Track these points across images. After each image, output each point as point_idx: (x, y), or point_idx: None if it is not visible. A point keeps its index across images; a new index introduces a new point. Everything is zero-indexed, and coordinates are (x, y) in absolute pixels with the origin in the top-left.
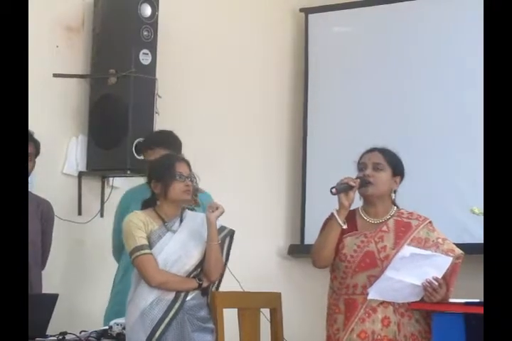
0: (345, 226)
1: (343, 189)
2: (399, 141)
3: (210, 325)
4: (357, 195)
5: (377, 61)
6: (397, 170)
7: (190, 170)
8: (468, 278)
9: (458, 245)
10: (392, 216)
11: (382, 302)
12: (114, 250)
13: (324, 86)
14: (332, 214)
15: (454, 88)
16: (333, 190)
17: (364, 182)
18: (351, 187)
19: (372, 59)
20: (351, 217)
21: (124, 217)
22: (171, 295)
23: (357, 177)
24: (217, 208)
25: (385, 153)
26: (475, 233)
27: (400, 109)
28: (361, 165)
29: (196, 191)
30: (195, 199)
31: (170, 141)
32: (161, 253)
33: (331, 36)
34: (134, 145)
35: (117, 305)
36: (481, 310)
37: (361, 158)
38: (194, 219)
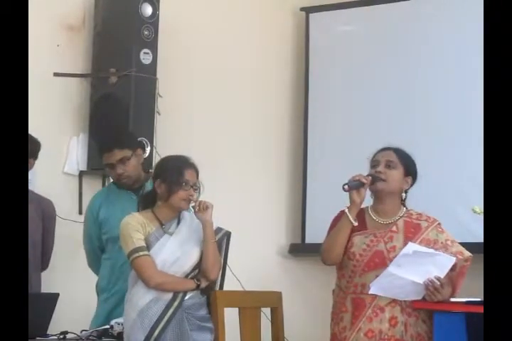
0: (356, 224)
1: (355, 186)
2: (400, 140)
3: (209, 325)
4: (368, 193)
5: (379, 60)
6: (410, 170)
7: (197, 177)
8: (470, 277)
9: (460, 244)
10: (401, 216)
11: (389, 302)
12: (89, 258)
13: (325, 85)
14: (343, 211)
15: (457, 87)
16: (346, 187)
17: (376, 179)
18: (363, 184)
19: (373, 58)
20: (360, 215)
21: (92, 224)
22: (169, 295)
23: (368, 175)
24: (206, 207)
25: (399, 152)
26: (476, 232)
27: (401, 108)
28: (374, 163)
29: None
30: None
31: (123, 140)
32: (159, 255)
33: (332, 35)
34: None
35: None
36: (482, 310)
37: (374, 155)
38: (192, 220)
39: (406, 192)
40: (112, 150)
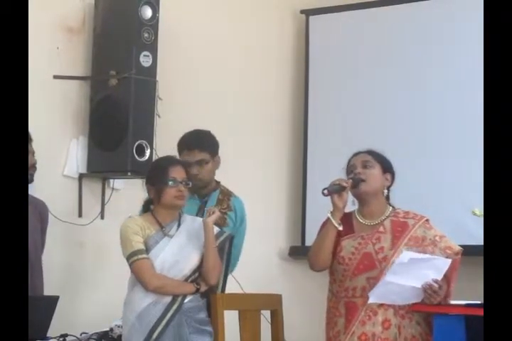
0: (340, 228)
1: (335, 190)
2: (400, 141)
3: (209, 328)
4: (350, 199)
5: (378, 63)
6: (386, 167)
7: (186, 173)
8: (469, 279)
9: (448, 239)
10: (388, 216)
11: (382, 305)
12: None
13: (325, 87)
14: (327, 216)
15: (457, 88)
16: (325, 192)
17: (356, 182)
18: (344, 188)
19: (372, 60)
20: (348, 219)
21: None
22: (168, 298)
23: (349, 178)
24: (213, 212)
25: (371, 152)
26: (476, 235)
27: (400, 109)
28: (351, 168)
29: (229, 195)
30: (228, 203)
31: (206, 142)
32: (158, 257)
33: (332, 38)
34: (134, 147)
35: None
36: (481, 312)
37: (349, 161)
38: (192, 223)
39: (388, 189)
40: (193, 149)
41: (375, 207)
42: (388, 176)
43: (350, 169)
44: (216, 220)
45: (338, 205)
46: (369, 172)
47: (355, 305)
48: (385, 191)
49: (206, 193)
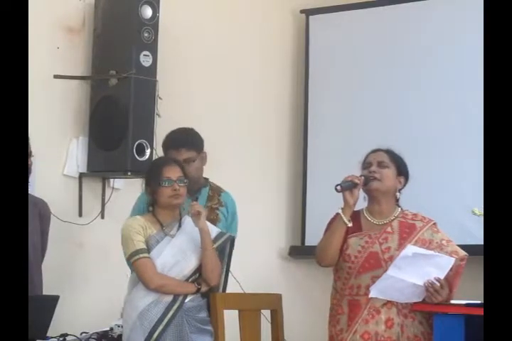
0: (350, 224)
1: (347, 186)
2: (400, 141)
3: (210, 328)
4: (361, 196)
5: (378, 62)
6: (401, 170)
7: (182, 172)
8: (470, 279)
9: (459, 246)
10: (396, 217)
11: (385, 304)
12: None
13: (325, 87)
14: (337, 212)
15: (456, 88)
16: (338, 188)
17: (369, 179)
18: (355, 185)
19: (372, 60)
20: (356, 217)
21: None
22: (170, 297)
23: (361, 175)
24: (199, 213)
25: (390, 153)
26: (476, 234)
27: (401, 110)
28: (366, 164)
29: (219, 191)
30: (218, 199)
31: (192, 140)
32: (159, 257)
33: (332, 38)
34: (134, 146)
35: None
36: (481, 312)
37: (366, 157)
38: (193, 224)
39: (399, 192)
40: (180, 149)
41: (384, 206)
42: (401, 179)
43: (365, 165)
44: (207, 216)
45: (349, 202)
46: (383, 171)
47: (359, 303)
48: (397, 194)
49: (196, 190)
